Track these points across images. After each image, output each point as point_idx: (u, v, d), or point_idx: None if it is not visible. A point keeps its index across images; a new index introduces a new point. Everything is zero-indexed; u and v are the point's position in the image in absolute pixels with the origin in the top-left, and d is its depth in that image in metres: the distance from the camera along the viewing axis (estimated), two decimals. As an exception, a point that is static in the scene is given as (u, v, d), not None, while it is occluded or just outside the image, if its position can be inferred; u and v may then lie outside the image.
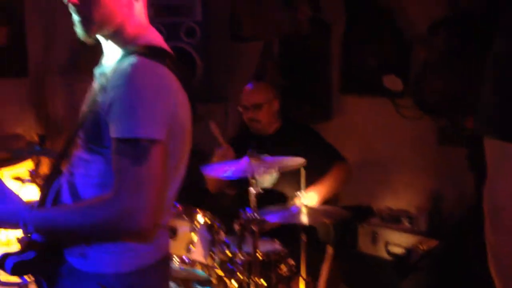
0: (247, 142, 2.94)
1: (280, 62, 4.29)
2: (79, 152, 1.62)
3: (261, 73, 4.30)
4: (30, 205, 1.58)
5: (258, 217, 2.37)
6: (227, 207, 3.23)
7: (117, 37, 1.62)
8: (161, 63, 1.53)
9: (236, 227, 2.54)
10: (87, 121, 1.57)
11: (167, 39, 4.39)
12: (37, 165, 2.88)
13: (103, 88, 1.53)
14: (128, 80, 1.48)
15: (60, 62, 4.07)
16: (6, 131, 3.80)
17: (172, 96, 1.54)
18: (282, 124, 3.30)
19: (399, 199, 3.98)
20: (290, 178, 3.05)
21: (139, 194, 1.47)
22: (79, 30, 1.60)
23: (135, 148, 1.46)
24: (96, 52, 4.17)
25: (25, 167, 3.80)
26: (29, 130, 3.91)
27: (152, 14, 1.66)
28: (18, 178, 3.22)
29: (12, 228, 1.57)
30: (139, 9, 1.66)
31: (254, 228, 2.38)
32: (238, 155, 2.76)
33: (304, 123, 3.48)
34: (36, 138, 3.89)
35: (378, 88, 3.88)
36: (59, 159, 1.66)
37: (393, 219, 3.76)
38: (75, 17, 1.59)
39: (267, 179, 3.14)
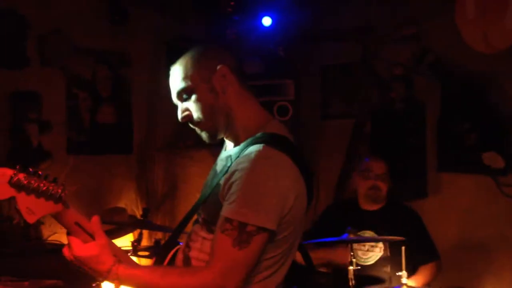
0: (345, 215, 2.97)
1: (371, 140, 4.31)
2: (197, 228, 1.70)
3: (351, 151, 4.33)
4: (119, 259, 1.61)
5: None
6: (325, 286, 3.21)
7: (236, 124, 1.69)
8: (285, 152, 1.57)
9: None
10: (208, 202, 1.65)
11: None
12: (140, 237, 2.99)
13: (226, 171, 1.60)
14: (251, 166, 1.54)
15: (161, 140, 4.29)
16: (111, 204, 4.00)
17: (291, 188, 1.58)
18: (387, 202, 3.35)
19: (503, 282, 3.75)
20: (388, 258, 3.03)
21: (230, 277, 1.51)
22: (203, 137, 1.72)
23: (241, 232, 1.51)
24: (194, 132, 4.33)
25: (127, 239, 3.96)
26: (130, 204, 4.09)
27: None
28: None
29: (95, 276, 1.59)
30: (246, 96, 1.72)
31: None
32: (335, 225, 2.79)
33: (408, 204, 3.48)
34: (138, 211, 4.06)
35: (478, 165, 3.78)
36: (178, 231, 1.75)
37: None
38: (195, 128, 1.72)
39: (371, 257, 3.12)
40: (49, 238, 3.61)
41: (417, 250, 3.10)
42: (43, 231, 3.55)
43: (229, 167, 1.60)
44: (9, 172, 1.46)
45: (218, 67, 1.68)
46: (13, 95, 3.55)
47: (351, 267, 2.39)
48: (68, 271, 3.15)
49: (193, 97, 1.67)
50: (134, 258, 3.17)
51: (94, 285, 2.77)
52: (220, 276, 1.50)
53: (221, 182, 1.60)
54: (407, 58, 4.04)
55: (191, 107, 1.68)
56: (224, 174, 1.60)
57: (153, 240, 3.81)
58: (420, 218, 3.35)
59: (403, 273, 2.55)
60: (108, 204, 4.02)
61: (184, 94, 1.68)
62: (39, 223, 3.51)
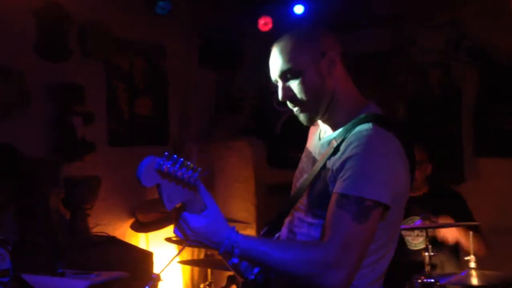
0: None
1: (406, 127, 4.31)
2: (301, 215, 1.69)
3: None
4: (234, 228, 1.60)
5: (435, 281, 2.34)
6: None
7: (338, 108, 1.70)
8: (393, 133, 1.59)
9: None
10: (313, 187, 1.64)
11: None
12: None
13: (333, 153, 1.61)
14: (366, 144, 1.55)
15: (196, 131, 4.29)
16: (149, 195, 4.00)
17: (401, 168, 1.59)
18: (430, 188, 3.36)
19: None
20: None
21: (350, 251, 1.50)
22: (301, 118, 1.71)
23: (359, 206, 1.51)
24: (227, 121, 4.27)
25: (170, 231, 3.96)
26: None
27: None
28: (169, 239, 3.35)
29: (212, 247, 1.56)
30: (345, 79, 1.73)
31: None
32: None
33: (451, 188, 3.48)
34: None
35: (517, 150, 3.80)
36: (280, 218, 1.75)
37: None
38: (295, 109, 1.71)
39: (421, 241, 3.14)
40: (94, 230, 3.62)
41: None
42: (89, 223, 3.55)
43: (335, 148, 1.61)
44: (157, 159, 1.45)
45: (327, 51, 1.69)
46: (57, 88, 3.54)
47: (426, 253, 2.42)
48: (121, 263, 3.17)
49: (299, 78, 1.67)
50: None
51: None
52: (342, 249, 1.49)
53: (329, 165, 1.60)
54: (444, 44, 4.05)
55: (295, 88, 1.68)
56: (330, 156, 1.61)
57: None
58: (465, 200, 3.36)
59: (471, 257, 2.56)
60: (147, 196, 4.02)
61: (289, 74, 1.68)
62: (85, 215, 3.51)
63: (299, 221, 1.69)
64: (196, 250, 3.83)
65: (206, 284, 3.31)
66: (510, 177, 3.92)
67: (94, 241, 3.42)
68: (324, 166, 1.62)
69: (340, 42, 1.76)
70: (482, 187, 4.03)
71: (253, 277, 1.66)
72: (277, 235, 1.76)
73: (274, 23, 4.24)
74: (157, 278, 2.84)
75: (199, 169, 1.51)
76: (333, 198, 1.55)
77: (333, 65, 1.69)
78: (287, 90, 1.70)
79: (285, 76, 1.69)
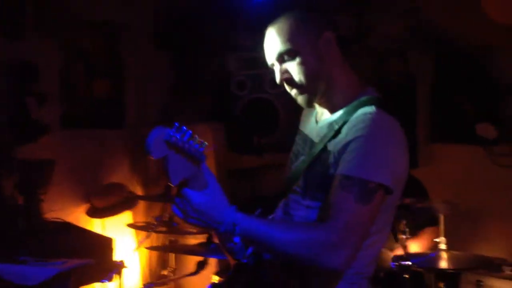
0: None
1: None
2: (298, 197, 1.68)
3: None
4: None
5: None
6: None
7: (335, 90, 1.70)
8: (395, 117, 1.62)
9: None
10: (312, 169, 1.63)
11: (251, 90, 4.52)
12: (163, 212, 2.90)
13: (334, 135, 1.61)
14: (370, 127, 1.55)
15: (155, 114, 4.18)
16: (106, 179, 3.87)
17: (404, 151, 1.61)
18: None
19: (493, 248, 3.92)
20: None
21: (352, 233, 1.50)
22: (300, 101, 1.71)
23: (363, 188, 1.51)
24: (186, 104, 4.22)
25: (127, 217, 3.86)
26: (125, 179, 3.98)
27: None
28: (132, 225, 3.26)
29: (212, 226, 1.52)
30: (342, 61, 1.74)
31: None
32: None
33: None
34: (133, 187, 3.96)
35: (470, 136, 3.90)
36: (274, 200, 1.72)
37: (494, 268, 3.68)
38: (292, 91, 1.70)
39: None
40: (47, 216, 3.47)
41: (419, 214, 3.13)
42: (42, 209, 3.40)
43: (336, 131, 1.59)
44: (167, 130, 1.40)
45: (325, 32, 1.68)
46: (10, 66, 3.35)
47: (403, 236, 2.45)
48: (80, 250, 3.05)
49: (297, 59, 1.66)
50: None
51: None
52: (344, 230, 1.48)
53: (330, 147, 1.58)
54: (402, 32, 4.10)
55: (292, 70, 1.67)
56: (331, 139, 1.58)
57: (149, 217, 3.73)
58: (420, 182, 3.39)
59: (442, 239, 2.62)
60: (103, 180, 3.90)
61: (286, 56, 1.67)
62: (39, 200, 3.35)
63: (295, 203, 1.67)
64: (157, 236, 3.74)
65: (170, 270, 3.25)
66: (463, 163, 4.04)
67: (50, 228, 3.27)
68: (324, 149, 1.62)
69: (336, 24, 1.75)
70: (436, 172, 4.12)
71: (245, 260, 1.64)
72: (270, 217, 1.73)
73: (233, 6, 4.17)
74: (121, 265, 2.78)
75: (205, 143, 1.46)
76: (336, 179, 1.54)
77: (329, 45, 1.68)
78: (284, 72, 1.67)
79: (282, 57, 1.68)
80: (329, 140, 1.61)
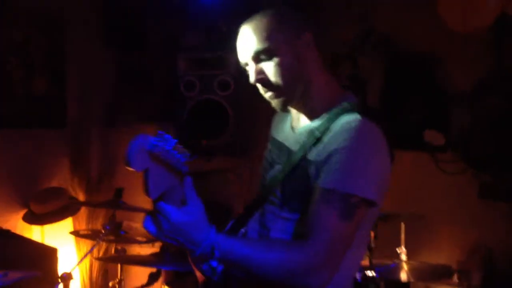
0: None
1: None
2: (274, 209, 1.58)
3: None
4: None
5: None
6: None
7: (314, 94, 1.61)
8: (377, 124, 1.53)
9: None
10: (290, 180, 1.53)
11: (200, 92, 4.39)
12: (113, 219, 2.72)
13: (315, 143, 1.52)
14: (355, 137, 1.47)
15: (98, 114, 3.97)
16: (44, 183, 3.63)
17: (388, 163, 1.54)
18: None
19: (439, 254, 3.98)
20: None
21: (334, 253, 1.43)
22: (275, 104, 1.60)
23: (346, 203, 1.43)
24: (132, 104, 4.04)
25: (68, 224, 3.63)
26: (65, 183, 3.75)
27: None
28: (76, 233, 3.07)
29: (188, 247, 1.40)
30: (321, 64, 1.65)
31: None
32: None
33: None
34: (75, 191, 3.73)
35: (418, 142, 3.94)
36: (248, 212, 1.60)
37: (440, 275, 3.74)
38: (267, 94, 1.59)
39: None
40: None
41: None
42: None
43: (317, 139, 1.51)
44: (150, 139, 1.25)
45: (305, 33, 1.58)
46: None
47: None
48: (21, 260, 2.83)
49: (274, 60, 1.55)
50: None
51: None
52: (328, 249, 1.42)
53: (311, 156, 1.49)
54: (353, 38, 4.09)
55: (268, 70, 1.56)
56: (311, 147, 1.51)
57: (98, 223, 3.53)
58: None
59: (403, 249, 2.59)
60: (42, 184, 3.65)
61: (262, 55, 1.56)
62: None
63: (272, 215, 1.58)
64: (100, 244, 3.54)
65: (116, 281, 3.07)
66: (410, 169, 4.08)
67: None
68: (303, 158, 1.52)
69: (315, 24, 1.68)
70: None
71: (216, 277, 1.52)
72: (243, 230, 1.62)
73: (183, 3, 4.02)
74: (68, 277, 2.58)
75: (188, 153, 1.33)
76: (317, 192, 1.46)
77: (308, 46, 1.59)
78: (260, 73, 1.56)
79: (258, 57, 1.56)
80: (310, 149, 1.52)
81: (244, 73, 4.37)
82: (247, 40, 1.58)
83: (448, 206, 3.91)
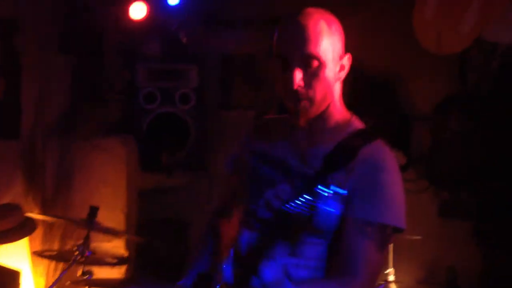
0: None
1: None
2: (305, 239, 1.55)
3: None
4: None
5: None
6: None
7: (330, 115, 1.58)
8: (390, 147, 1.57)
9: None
10: (317, 211, 1.49)
11: (161, 104, 4.25)
12: (87, 241, 2.50)
13: (337, 169, 1.49)
14: (386, 167, 1.50)
15: (55, 123, 3.73)
16: (2, 199, 3.35)
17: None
18: None
19: (397, 271, 4.02)
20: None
21: (375, 281, 1.53)
22: (301, 115, 1.53)
23: (382, 234, 1.47)
24: (90, 116, 3.83)
25: (23, 245, 3.35)
26: (18, 198, 3.47)
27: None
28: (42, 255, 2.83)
29: None
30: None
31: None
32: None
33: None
34: (29, 207, 3.46)
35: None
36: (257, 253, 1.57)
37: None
38: (302, 103, 1.52)
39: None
40: None
41: None
42: None
43: (339, 163, 1.48)
44: None
45: (347, 53, 1.58)
46: None
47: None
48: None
49: (319, 72, 1.50)
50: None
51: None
52: (370, 278, 1.49)
53: (336, 183, 1.47)
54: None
55: (310, 81, 1.50)
56: (333, 173, 1.48)
57: (67, 243, 3.28)
58: None
59: (391, 270, 2.58)
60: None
61: (311, 61, 1.49)
62: None
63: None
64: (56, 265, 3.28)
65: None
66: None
67: None
68: (325, 183, 1.47)
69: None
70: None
71: None
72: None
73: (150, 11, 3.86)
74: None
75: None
76: (353, 223, 1.46)
77: (343, 70, 1.58)
78: (302, 79, 1.49)
79: (310, 63, 1.49)
80: (331, 174, 1.48)
81: (205, 86, 4.25)
82: (301, 37, 1.49)
83: (409, 224, 3.96)
